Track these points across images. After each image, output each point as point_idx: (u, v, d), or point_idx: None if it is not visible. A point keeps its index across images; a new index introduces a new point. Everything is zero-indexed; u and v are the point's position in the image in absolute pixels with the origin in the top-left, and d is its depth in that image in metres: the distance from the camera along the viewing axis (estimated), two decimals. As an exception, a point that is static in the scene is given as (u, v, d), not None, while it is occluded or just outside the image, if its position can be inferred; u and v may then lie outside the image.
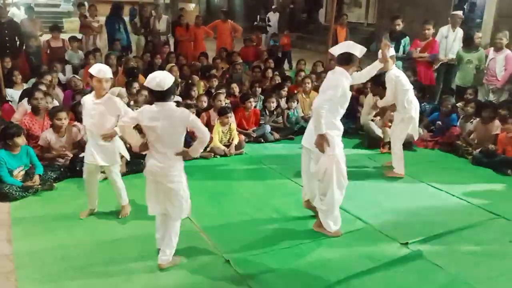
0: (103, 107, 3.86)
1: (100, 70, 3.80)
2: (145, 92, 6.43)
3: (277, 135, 6.60)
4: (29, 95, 5.52)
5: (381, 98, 6.35)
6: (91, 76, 3.82)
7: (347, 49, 3.83)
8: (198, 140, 3.38)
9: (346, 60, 3.82)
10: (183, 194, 3.39)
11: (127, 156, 4.25)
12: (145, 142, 3.43)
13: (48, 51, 8.22)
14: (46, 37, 8.67)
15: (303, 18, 16.18)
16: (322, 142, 3.73)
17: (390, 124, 6.06)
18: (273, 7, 14.66)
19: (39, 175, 4.74)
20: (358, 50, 3.83)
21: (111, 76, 3.92)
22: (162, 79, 3.18)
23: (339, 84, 3.73)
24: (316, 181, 3.96)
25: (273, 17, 13.47)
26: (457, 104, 6.77)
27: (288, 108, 6.89)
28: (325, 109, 3.67)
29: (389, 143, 5.90)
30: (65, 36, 8.71)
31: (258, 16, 13.66)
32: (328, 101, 3.69)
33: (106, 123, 3.89)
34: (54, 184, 4.81)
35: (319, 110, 3.65)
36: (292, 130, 6.77)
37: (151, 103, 3.35)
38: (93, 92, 3.92)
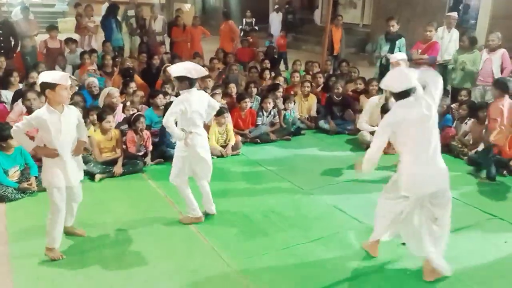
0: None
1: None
2: (141, 93, 6.43)
3: (273, 136, 6.60)
4: (22, 96, 5.48)
5: (386, 100, 6.36)
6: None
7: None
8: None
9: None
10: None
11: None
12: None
13: (45, 52, 8.18)
14: (41, 37, 8.63)
15: (298, 19, 16.17)
16: None
17: None
18: (275, 7, 14.18)
19: (35, 177, 4.71)
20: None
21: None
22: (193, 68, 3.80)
23: None
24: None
25: (276, 18, 13.14)
26: (452, 106, 6.80)
27: (285, 109, 6.89)
28: None
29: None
30: (60, 36, 8.65)
31: (244, 19, 13.29)
32: None
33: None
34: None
35: None
36: (289, 131, 6.77)
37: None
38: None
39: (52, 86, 3.27)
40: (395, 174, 3.44)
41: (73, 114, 3.50)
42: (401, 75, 3.26)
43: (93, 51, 8.22)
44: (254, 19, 13.24)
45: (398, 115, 3.23)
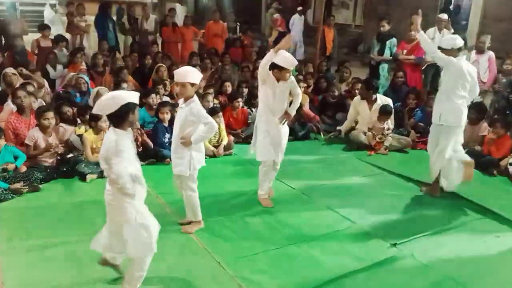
0: (185, 112, 3.71)
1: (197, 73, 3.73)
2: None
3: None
4: (12, 95, 5.42)
5: (368, 102, 6.41)
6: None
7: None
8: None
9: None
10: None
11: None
12: None
13: (37, 51, 8.11)
14: (32, 36, 8.56)
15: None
16: None
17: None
18: (299, 9, 12.17)
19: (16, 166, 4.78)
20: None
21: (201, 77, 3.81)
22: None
23: None
24: None
25: (298, 21, 11.67)
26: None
27: None
28: None
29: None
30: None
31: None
32: None
33: (185, 128, 3.73)
34: (40, 186, 4.73)
35: None
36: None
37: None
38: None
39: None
40: None
41: None
42: None
43: (81, 49, 8.13)
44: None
45: None
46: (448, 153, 4.66)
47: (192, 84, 3.67)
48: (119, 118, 2.78)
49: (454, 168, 4.72)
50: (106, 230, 3.07)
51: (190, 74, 3.68)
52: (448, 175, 4.78)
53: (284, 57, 4.14)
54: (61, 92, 6.56)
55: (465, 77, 4.49)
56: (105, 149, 2.79)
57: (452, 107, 4.55)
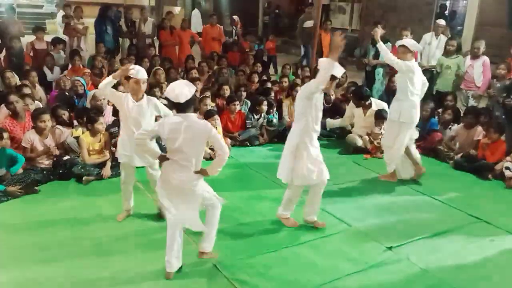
0: (142, 108, 3.88)
1: (138, 71, 3.83)
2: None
3: (262, 139, 6.62)
4: (4, 100, 5.37)
5: (363, 108, 6.48)
6: (128, 77, 3.81)
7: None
8: (218, 158, 3.31)
9: None
10: (206, 195, 3.39)
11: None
12: (163, 154, 3.38)
13: (32, 53, 8.09)
14: (29, 38, 8.54)
15: (288, 23, 16.28)
16: None
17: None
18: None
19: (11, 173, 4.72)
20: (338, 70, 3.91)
21: (147, 77, 3.95)
22: (180, 91, 3.12)
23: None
24: None
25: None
26: (437, 110, 6.90)
27: (268, 113, 6.89)
28: None
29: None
30: (48, 38, 8.57)
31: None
32: None
33: (143, 123, 3.87)
34: (36, 187, 4.73)
35: None
36: (276, 133, 6.78)
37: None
38: (130, 94, 3.91)
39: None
40: None
41: None
42: None
43: (77, 52, 8.09)
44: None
45: None
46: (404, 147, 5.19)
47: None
48: (193, 104, 3.20)
49: (408, 164, 5.37)
50: (187, 210, 3.27)
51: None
52: (402, 168, 5.38)
53: (337, 66, 3.88)
54: (66, 94, 6.55)
55: (417, 78, 4.99)
56: (204, 131, 3.18)
57: (409, 105, 5.01)
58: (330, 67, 3.69)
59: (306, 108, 3.86)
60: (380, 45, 5.20)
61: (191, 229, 3.45)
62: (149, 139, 3.40)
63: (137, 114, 3.88)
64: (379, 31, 5.31)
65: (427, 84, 5.25)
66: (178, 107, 3.17)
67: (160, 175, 3.43)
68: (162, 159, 3.34)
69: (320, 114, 3.97)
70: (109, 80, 3.81)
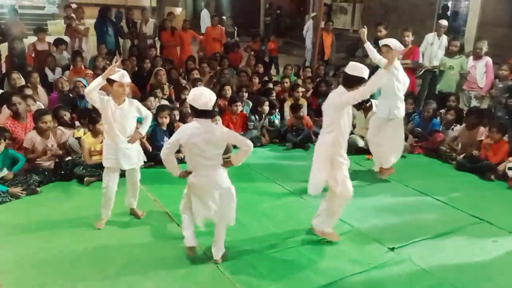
0: (124, 111, 3.91)
1: (123, 75, 3.82)
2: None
3: (263, 140, 6.62)
4: (6, 101, 5.37)
5: (364, 110, 6.47)
6: (112, 81, 3.80)
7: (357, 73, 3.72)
8: (243, 152, 3.43)
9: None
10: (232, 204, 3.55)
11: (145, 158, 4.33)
12: (184, 170, 3.46)
13: (34, 54, 8.10)
14: (31, 39, 8.55)
15: (289, 24, 16.29)
16: None
17: None
18: (312, 14, 11.27)
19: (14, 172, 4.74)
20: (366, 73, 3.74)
21: (130, 81, 3.97)
22: (208, 99, 3.22)
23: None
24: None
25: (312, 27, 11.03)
26: (440, 111, 6.88)
27: (270, 114, 6.89)
28: None
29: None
30: (49, 39, 8.58)
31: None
32: None
33: (128, 126, 3.95)
34: (38, 188, 4.73)
35: None
36: (278, 134, 6.77)
37: None
38: (111, 97, 3.89)
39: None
40: None
41: None
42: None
43: (79, 53, 8.09)
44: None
45: None
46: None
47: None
48: (210, 112, 3.29)
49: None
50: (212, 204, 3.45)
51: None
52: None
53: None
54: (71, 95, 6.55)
55: (401, 75, 5.16)
56: (222, 138, 3.35)
57: (397, 102, 5.20)
58: (380, 80, 3.76)
59: (340, 117, 3.73)
60: (367, 45, 5.35)
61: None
62: (175, 151, 3.45)
63: (120, 117, 3.89)
64: (365, 31, 5.44)
65: (407, 80, 5.37)
66: (202, 114, 3.27)
67: (187, 181, 3.48)
68: (184, 175, 3.45)
69: (351, 121, 3.89)
70: (98, 82, 3.72)
